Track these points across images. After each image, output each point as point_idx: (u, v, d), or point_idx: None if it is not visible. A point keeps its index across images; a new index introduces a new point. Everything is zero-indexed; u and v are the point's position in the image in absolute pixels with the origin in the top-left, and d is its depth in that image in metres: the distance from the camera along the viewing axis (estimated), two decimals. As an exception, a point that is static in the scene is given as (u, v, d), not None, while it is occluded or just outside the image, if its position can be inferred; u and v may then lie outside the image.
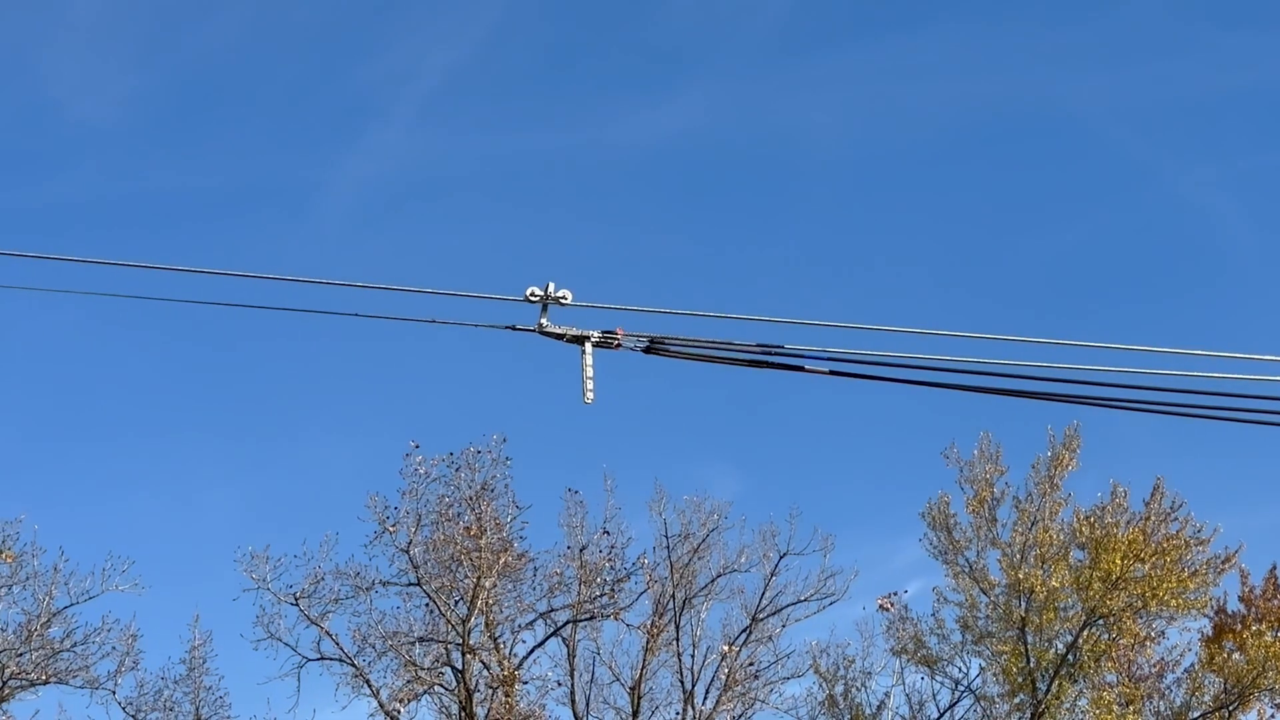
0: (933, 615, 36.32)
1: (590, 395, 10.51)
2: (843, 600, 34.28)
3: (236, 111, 67.63)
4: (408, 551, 32.14)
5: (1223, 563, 36.27)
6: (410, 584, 32.30)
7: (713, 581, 33.90)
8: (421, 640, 32.28)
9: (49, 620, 31.81)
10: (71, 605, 32.08)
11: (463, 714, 31.64)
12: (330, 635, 32.24)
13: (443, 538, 32.31)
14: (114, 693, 32.16)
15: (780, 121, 69.48)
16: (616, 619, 33.08)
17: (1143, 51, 69.92)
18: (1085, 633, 34.92)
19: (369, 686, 31.93)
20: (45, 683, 31.63)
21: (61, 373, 60.02)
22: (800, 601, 34.10)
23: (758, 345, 10.68)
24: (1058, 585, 34.84)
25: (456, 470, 32.82)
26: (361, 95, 68.78)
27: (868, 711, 35.34)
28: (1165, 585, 34.52)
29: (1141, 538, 34.95)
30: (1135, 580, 34.62)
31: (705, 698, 33.19)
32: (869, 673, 35.69)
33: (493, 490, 32.77)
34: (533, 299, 10.35)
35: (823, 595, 34.09)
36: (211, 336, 60.26)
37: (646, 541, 34.25)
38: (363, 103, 69.29)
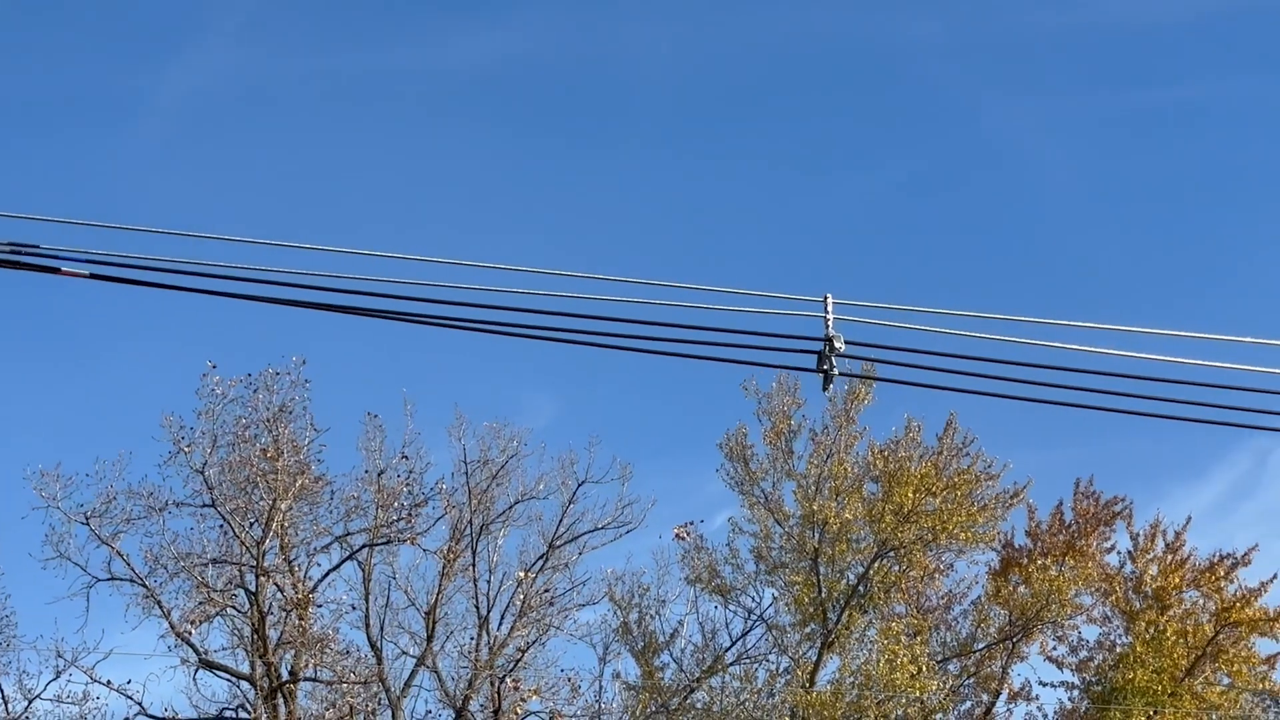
0: (728, 545, 36.62)
1: None
2: (641, 529, 34.37)
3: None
4: (202, 472, 31.66)
5: (1011, 498, 37.11)
6: (204, 505, 31.81)
7: (510, 508, 33.87)
8: (215, 562, 31.82)
9: None
10: None
11: (255, 636, 31.30)
12: (121, 555, 31.66)
13: (239, 459, 31.87)
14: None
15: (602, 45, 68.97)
16: (413, 544, 32.92)
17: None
18: (876, 564, 35.42)
19: (160, 607, 31.41)
20: None
21: None
22: (597, 529, 34.17)
23: (7, 244, 10.20)
24: (851, 517, 35.22)
25: (255, 392, 32.38)
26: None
27: (661, 639, 35.62)
28: (955, 519, 35.10)
29: (934, 472, 35.55)
30: (926, 513, 35.15)
31: (500, 623, 33.23)
32: (664, 601, 35.86)
33: (291, 412, 32.40)
34: None
35: (620, 524, 34.19)
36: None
37: (446, 467, 34.09)
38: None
